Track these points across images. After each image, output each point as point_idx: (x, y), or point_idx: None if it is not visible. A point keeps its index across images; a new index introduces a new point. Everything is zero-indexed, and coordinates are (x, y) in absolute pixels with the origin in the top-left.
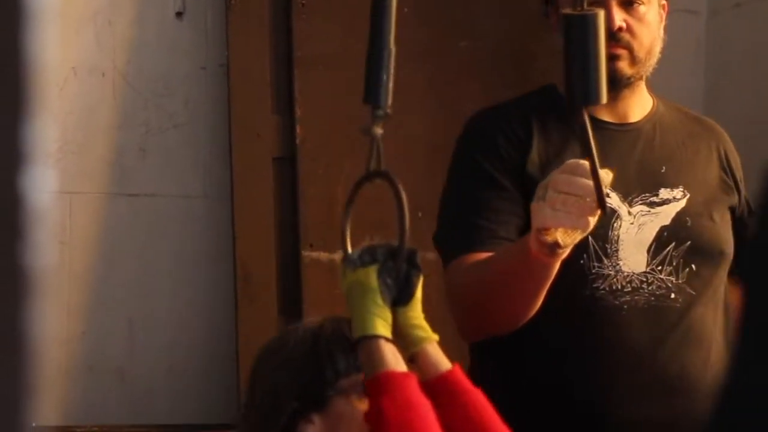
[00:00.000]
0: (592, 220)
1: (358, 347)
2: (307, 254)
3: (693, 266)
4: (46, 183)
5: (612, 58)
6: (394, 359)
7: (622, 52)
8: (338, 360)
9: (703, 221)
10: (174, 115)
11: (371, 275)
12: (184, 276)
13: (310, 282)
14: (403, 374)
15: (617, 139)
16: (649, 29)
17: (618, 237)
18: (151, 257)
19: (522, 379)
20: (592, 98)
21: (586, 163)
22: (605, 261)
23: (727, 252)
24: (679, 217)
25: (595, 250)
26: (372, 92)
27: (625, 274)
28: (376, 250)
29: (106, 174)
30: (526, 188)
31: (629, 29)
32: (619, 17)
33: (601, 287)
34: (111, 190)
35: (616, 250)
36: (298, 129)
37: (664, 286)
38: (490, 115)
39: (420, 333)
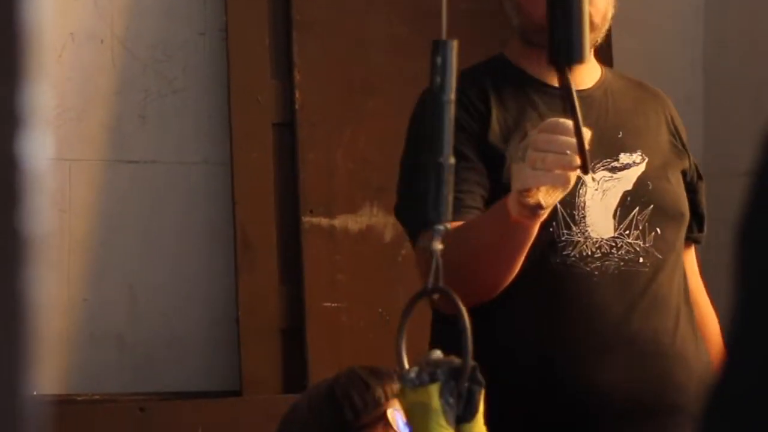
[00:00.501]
0: (573, 177)
1: None
2: (307, 220)
3: (658, 230)
4: (44, 149)
5: None
6: None
7: None
8: (356, 400)
9: (663, 184)
10: (173, 81)
11: (433, 396)
12: (185, 243)
13: (310, 247)
14: None
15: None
16: None
17: (584, 203)
18: (151, 224)
19: (494, 349)
20: (575, 57)
21: (565, 120)
22: (574, 228)
23: (687, 214)
24: (641, 181)
25: (563, 217)
26: (432, 208)
27: (594, 240)
28: (436, 369)
29: (106, 141)
30: (489, 159)
31: None
32: None
33: (572, 254)
34: (110, 157)
35: (584, 217)
36: (297, 94)
37: (632, 250)
38: None
39: None
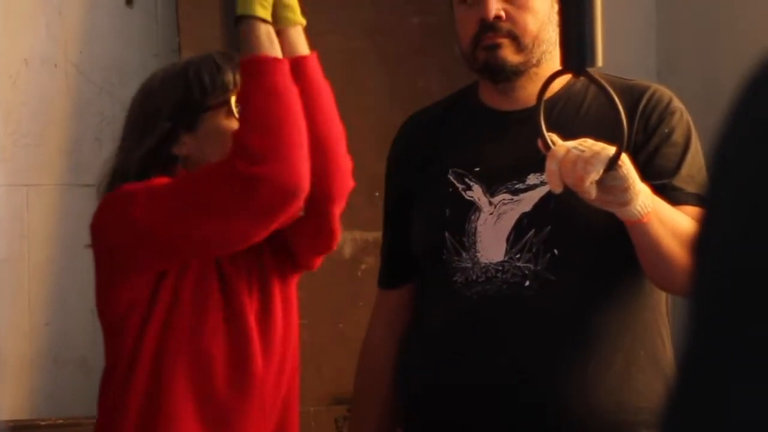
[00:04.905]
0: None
1: (238, 26)
2: None
3: (555, 251)
4: None
5: (493, 48)
6: (268, 43)
7: (503, 41)
8: (205, 80)
9: (570, 202)
10: (128, 104)
11: None
12: None
13: None
14: (273, 59)
15: (504, 126)
16: (534, 15)
17: (475, 229)
18: None
19: (399, 366)
20: (588, 61)
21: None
22: (464, 254)
23: (601, 231)
24: (543, 201)
25: (453, 245)
26: None
27: (482, 265)
28: None
29: (63, 165)
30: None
31: (509, 17)
32: (496, 6)
33: (459, 280)
34: (68, 181)
35: (474, 243)
36: None
37: (519, 273)
38: None
39: (288, 14)
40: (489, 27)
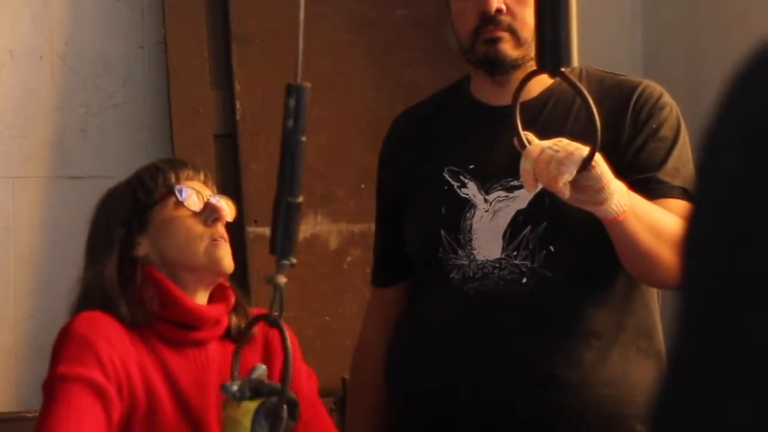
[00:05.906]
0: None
1: None
2: (252, 230)
3: (551, 248)
4: None
5: (493, 41)
6: None
7: (504, 34)
8: (146, 180)
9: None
10: (113, 95)
11: (247, 414)
12: None
13: (256, 257)
14: None
15: (497, 122)
16: (532, 9)
17: (471, 226)
18: None
19: (388, 359)
20: (563, 61)
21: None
22: (460, 252)
23: (596, 227)
24: (537, 198)
25: (449, 242)
26: (280, 244)
27: (479, 262)
28: (259, 388)
29: (48, 157)
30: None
31: (509, 11)
32: (497, 0)
33: (456, 277)
34: (53, 173)
35: (470, 240)
36: (237, 104)
37: (516, 270)
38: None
39: None
40: (489, 20)
